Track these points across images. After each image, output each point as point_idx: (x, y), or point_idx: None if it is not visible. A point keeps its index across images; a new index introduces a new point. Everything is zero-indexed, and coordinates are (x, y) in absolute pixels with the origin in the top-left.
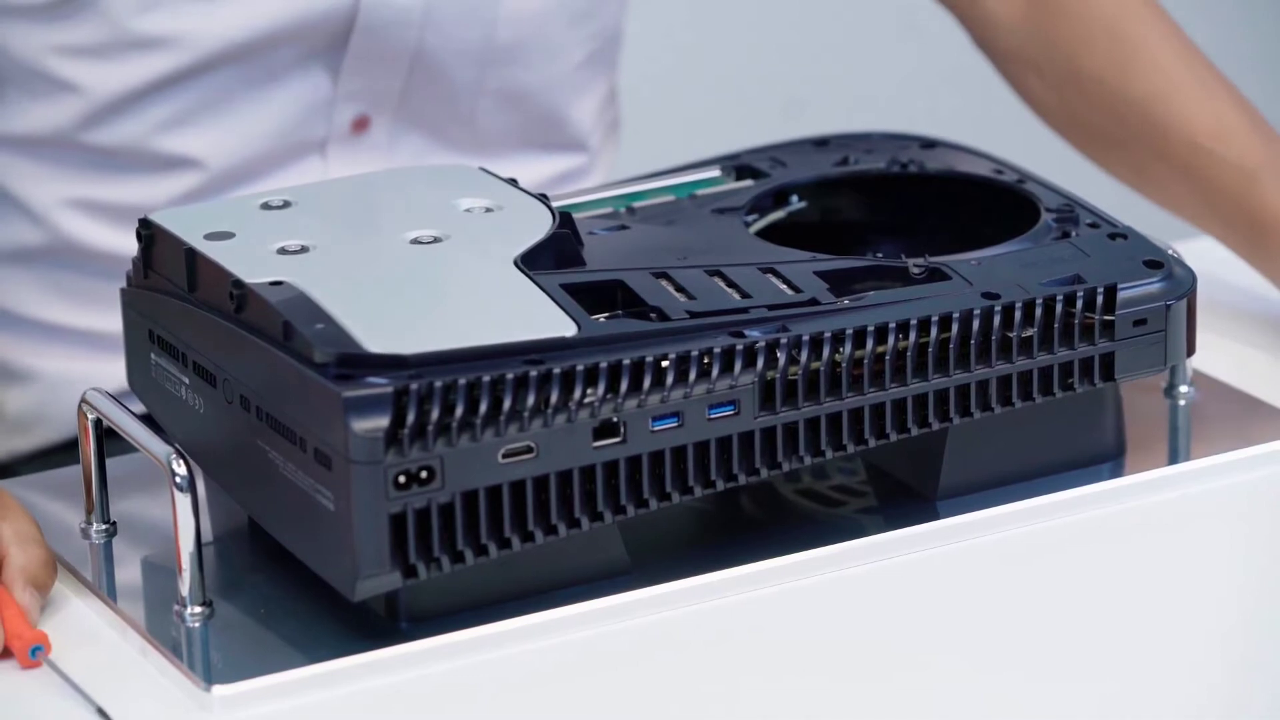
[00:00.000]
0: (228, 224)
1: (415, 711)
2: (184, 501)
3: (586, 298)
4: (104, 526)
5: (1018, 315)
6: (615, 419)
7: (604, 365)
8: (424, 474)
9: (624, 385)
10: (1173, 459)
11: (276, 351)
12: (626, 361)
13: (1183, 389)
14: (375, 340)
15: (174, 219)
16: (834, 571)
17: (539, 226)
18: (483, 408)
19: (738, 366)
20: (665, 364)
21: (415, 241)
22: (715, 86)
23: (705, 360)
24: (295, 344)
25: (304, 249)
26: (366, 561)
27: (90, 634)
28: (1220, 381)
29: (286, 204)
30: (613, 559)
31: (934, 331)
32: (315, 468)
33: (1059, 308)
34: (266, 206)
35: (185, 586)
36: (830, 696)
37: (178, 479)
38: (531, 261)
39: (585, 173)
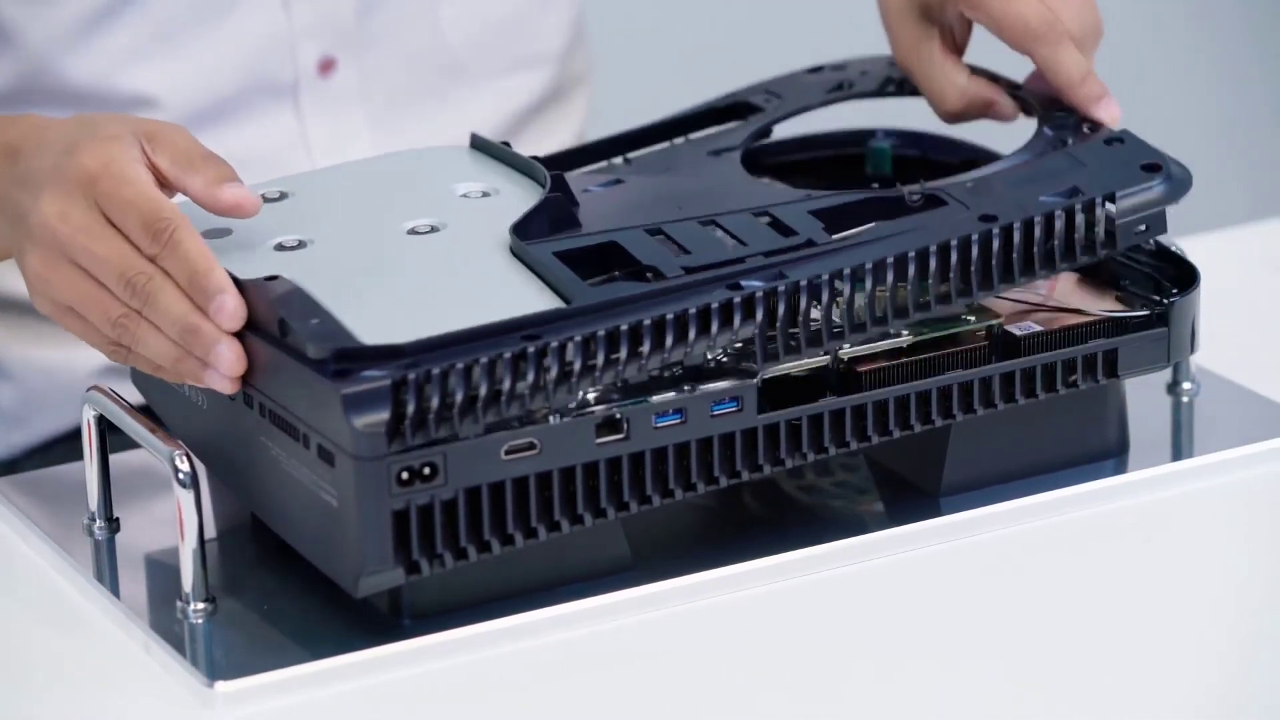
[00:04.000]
0: (225, 220)
1: (418, 708)
2: (187, 498)
3: (581, 264)
4: (107, 523)
5: (1017, 237)
6: (618, 415)
7: (601, 333)
8: (427, 470)
9: (623, 352)
10: (1176, 456)
11: (275, 348)
12: (624, 327)
13: (1186, 386)
14: (370, 332)
15: None
16: (837, 568)
17: None
18: (482, 389)
19: (737, 320)
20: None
21: (412, 232)
22: (714, 87)
23: (704, 318)
24: (292, 340)
25: (301, 244)
26: (369, 558)
27: (93, 630)
28: (1223, 378)
29: (283, 195)
30: (616, 555)
31: (933, 264)
32: (318, 464)
33: (1058, 224)
34: (264, 199)
35: (188, 583)
36: (833, 693)
37: (181, 475)
38: (525, 230)
39: (565, 95)
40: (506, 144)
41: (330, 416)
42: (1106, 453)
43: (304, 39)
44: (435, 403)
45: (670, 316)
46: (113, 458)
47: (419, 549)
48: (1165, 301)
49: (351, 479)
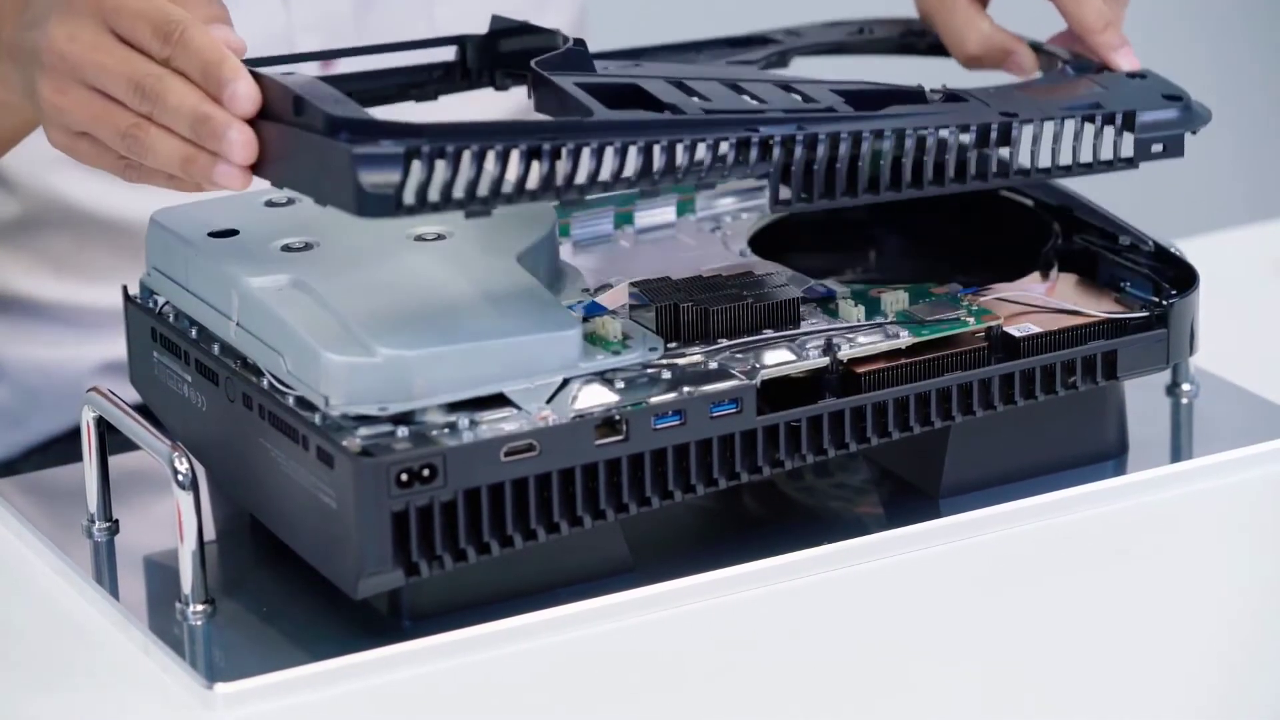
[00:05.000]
0: (232, 221)
1: (418, 709)
2: (186, 499)
3: (602, 95)
4: (106, 524)
5: (1037, 130)
6: (617, 417)
7: (617, 144)
8: (426, 472)
9: (636, 164)
10: (1175, 457)
11: (287, 128)
12: (640, 143)
13: (1185, 387)
14: (376, 333)
15: (177, 216)
16: (836, 569)
17: (541, 224)
18: (493, 174)
19: (754, 154)
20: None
21: (419, 239)
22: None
23: (719, 151)
24: (307, 115)
25: (308, 245)
26: (369, 559)
27: (92, 632)
28: (1223, 379)
29: (290, 200)
30: (615, 557)
31: (951, 139)
32: (317, 465)
33: (1077, 125)
34: (270, 204)
35: (187, 584)
36: (833, 694)
37: (180, 477)
38: (547, 65)
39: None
40: (527, 24)
41: (340, 182)
42: (1106, 454)
43: (303, 35)
44: (445, 177)
45: (686, 141)
46: (112, 459)
47: (418, 550)
48: (1164, 303)
49: (351, 480)
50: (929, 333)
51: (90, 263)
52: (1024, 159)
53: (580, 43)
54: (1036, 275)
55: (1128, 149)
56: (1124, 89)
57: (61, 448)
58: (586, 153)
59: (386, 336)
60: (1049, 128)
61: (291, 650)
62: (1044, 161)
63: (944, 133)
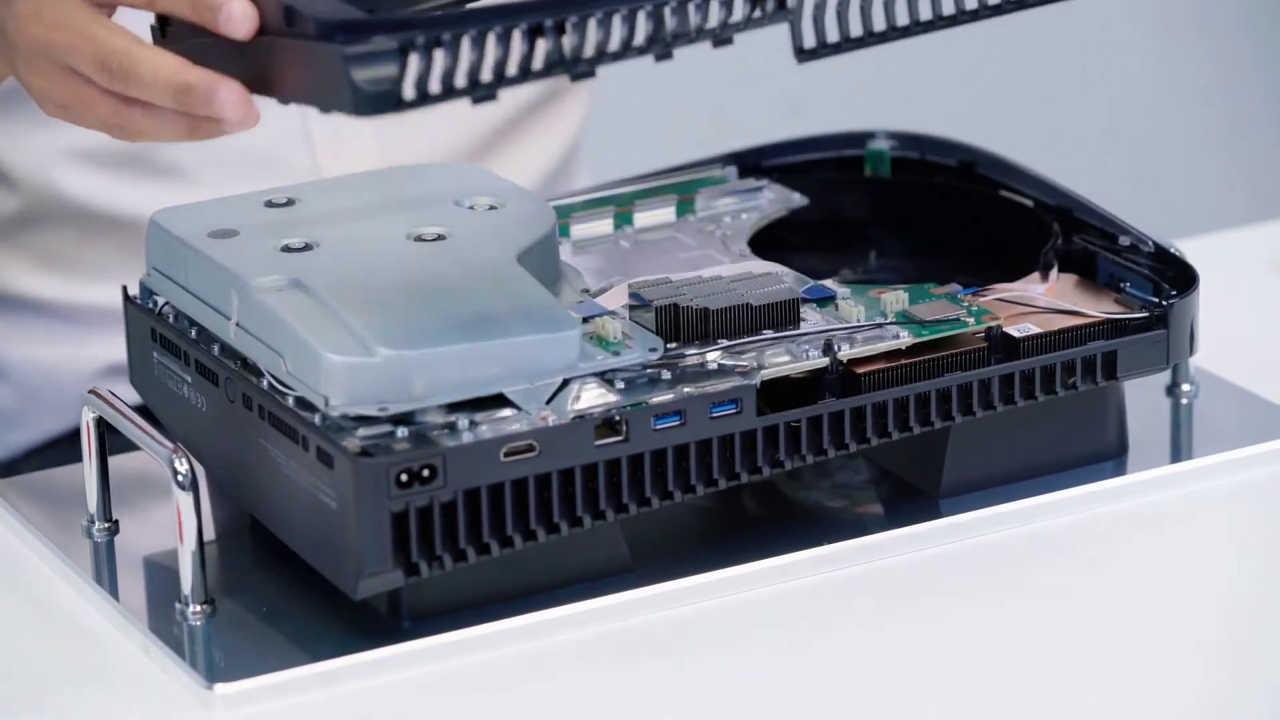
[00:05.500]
0: (231, 222)
1: (417, 710)
2: (186, 500)
3: None
4: (106, 525)
5: None
6: (617, 418)
7: (624, 12)
8: (425, 472)
9: (648, 31)
10: (1175, 457)
11: (276, 41)
12: (649, 7)
13: (1185, 387)
14: (376, 333)
15: (177, 217)
16: (836, 570)
17: (541, 224)
18: (493, 58)
19: (770, 3)
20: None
21: (418, 239)
22: (714, 86)
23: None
24: (298, 23)
25: (307, 246)
26: (369, 560)
27: (92, 632)
28: (1223, 380)
29: (290, 201)
30: (615, 557)
31: None
32: (317, 466)
33: None
34: (270, 204)
35: (187, 585)
36: (833, 694)
37: (179, 477)
38: None
39: (567, 90)
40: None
41: (337, 86)
42: (1106, 454)
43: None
44: (445, 66)
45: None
46: (112, 460)
47: (418, 551)
48: (1164, 303)
49: (350, 480)
50: (929, 333)
51: (92, 260)
52: None
53: None
54: (1036, 275)
55: None
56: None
57: (62, 448)
58: (593, 23)
59: (386, 336)
60: None
61: (291, 650)
62: None
63: None
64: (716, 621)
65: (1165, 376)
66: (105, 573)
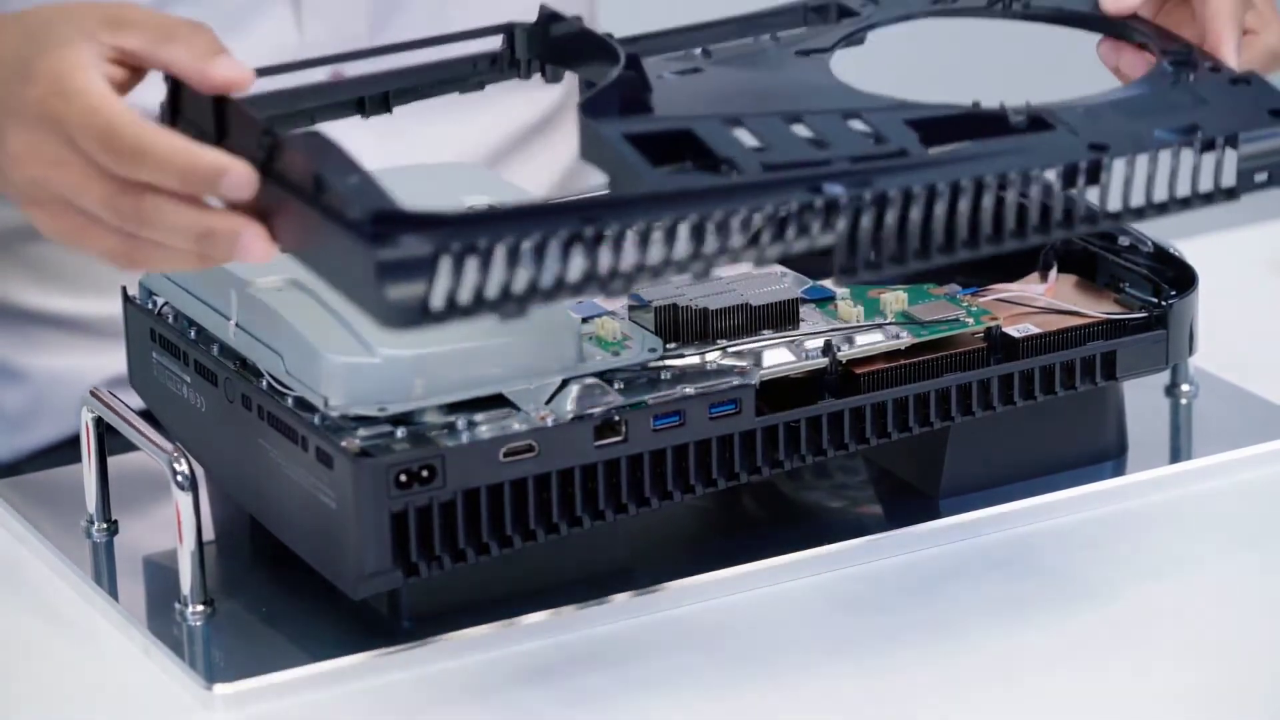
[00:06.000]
0: None
1: (418, 710)
2: (185, 500)
3: (652, 148)
4: (105, 525)
5: (1127, 171)
6: (617, 418)
7: (665, 225)
8: (425, 472)
9: (687, 247)
10: (1174, 458)
11: (306, 206)
12: (691, 221)
13: (1184, 387)
14: (378, 334)
15: None
16: (836, 570)
17: None
18: (528, 271)
19: (815, 226)
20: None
21: None
22: None
23: (780, 221)
24: (327, 198)
25: None
26: (368, 560)
27: (92, 633)
28: (1222, 380)
29: None
30: (614, 558)
31: (1035, 190)
32: (317, 466)
33: (1174, 162)
34: None
35: (187, 585)
36: (833, 694)
37: (179, 478)
38: (594, 107)
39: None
40: (579, 18)
41: (363, 283)
42: (1105, 455)
43: (314, 53)
44: (473, 276)
45: (742, 215)
46: (111, 460)
47: (417, 551)
48: (1164, 303)
49: (350, 481)
50: (928, 333)
51: (94, 273)
52: (1114, 201)
53: (634, 61)
54: (1035, 276)
55: (1229, 178)
56: (1225, 102)
57: (65, 453)
58: (631, 236)
59: (386, 337)
60: (1142, 164)
61: (291, 651)
62: (1136, 200)
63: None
64: (717, 621)
65: (1165, 377)
66: (105, 573)
